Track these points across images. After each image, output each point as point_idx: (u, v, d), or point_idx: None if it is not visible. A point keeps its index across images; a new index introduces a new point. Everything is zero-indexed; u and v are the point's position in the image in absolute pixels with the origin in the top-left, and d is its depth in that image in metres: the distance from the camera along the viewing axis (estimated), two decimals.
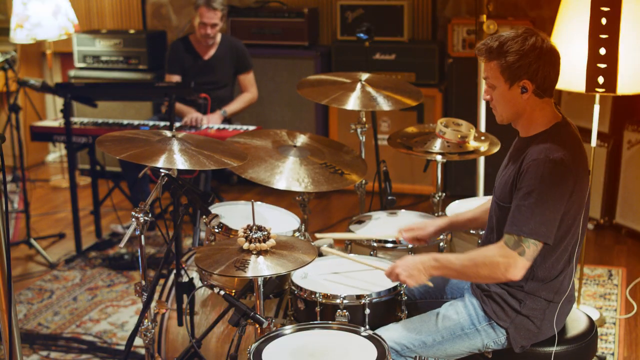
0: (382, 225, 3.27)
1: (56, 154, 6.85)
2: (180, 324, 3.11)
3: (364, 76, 3.61)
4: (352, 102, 3.42)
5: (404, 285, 2.72)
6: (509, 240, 2.39)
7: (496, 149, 3.42)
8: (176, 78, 5.22)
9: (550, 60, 2.45)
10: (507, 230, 2.40)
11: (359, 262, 2.86)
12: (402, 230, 2.96)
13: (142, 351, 3.63)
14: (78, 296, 4.39)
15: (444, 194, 3.58)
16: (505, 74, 2.45)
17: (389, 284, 2.71)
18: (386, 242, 3.07)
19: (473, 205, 3.26)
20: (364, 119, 3.64)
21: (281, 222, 3.16)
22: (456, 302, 2.64)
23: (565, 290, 2.56)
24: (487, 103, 2.58)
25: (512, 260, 2.38)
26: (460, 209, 3.20)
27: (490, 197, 2.72)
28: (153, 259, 4.69)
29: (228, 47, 5.22)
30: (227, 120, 5.27)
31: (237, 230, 2.62)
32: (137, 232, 2.75)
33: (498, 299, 2.55)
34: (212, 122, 4.97)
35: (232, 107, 5.17)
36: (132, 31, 6.21)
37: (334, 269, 2.90)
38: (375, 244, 3.07)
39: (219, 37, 5.21)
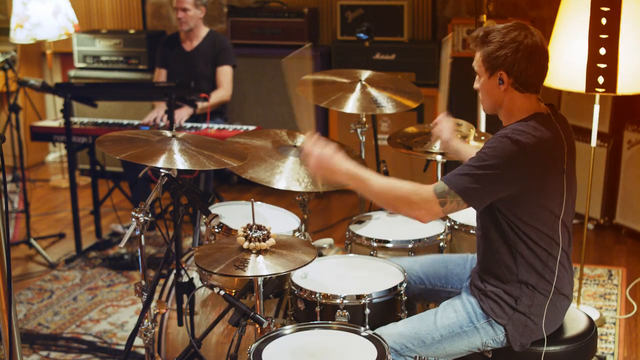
0: (382, 225, 3.27)
1: (56, 154, 6.85)
2: (180, 324, 3.11)
3: (364, 75, 3.61)
4: (351, 105, 3.42)
5: (404, 285, 2.73)
6: (438, 186, 2.43)
7: None
8: (163, 73, 5.28)
9: (529, 56, 2.45)
10: (443, 177, 2.45)
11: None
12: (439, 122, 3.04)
13: (142, 351, 3.63)
14: (78, 296, 4.39)
15: None
16: (486, 63, 2.51)
17: (389, 284, 2.72)
18: (386, 242, 3.07)
19: None
20: (364, 119, 3.64)
21: (281, 222, 3.16)
22: (454, 300, 2.65)
23: (561, 286, 2.56)
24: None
25: (429, 205, 2.43)
26: None
27: None
28: (153, 259, 4.69)
29: (211, 40, 5.22)
30: (226, 118, 5.27)
31: (237, 230, 2.62)
32: (137, 232, 2.75)
33: (494, 296, 2.55)
34: (179, 117, 4.89)
35: (202, 103, 5.13)
36: (132, 31, 6.22)
37: (334, 269, 2.90)
38: (375, 244, 3.07)
39: (204, 31, 5.21)
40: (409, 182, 2.49)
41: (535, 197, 2.44)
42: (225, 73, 5.21)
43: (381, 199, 2.54)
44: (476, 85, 2.60)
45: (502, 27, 2.49)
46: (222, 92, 5.18)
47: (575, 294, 3.97)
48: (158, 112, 5.04)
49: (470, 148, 2.98)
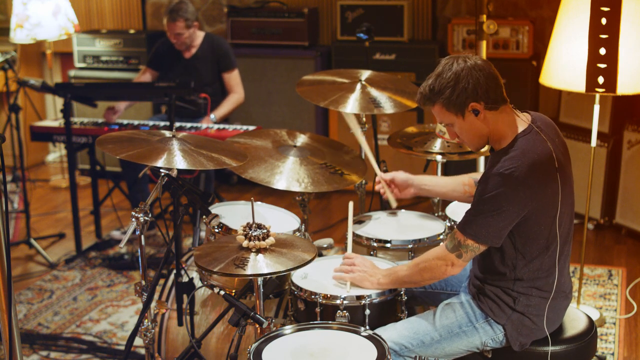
0: (382, 225, 3.27)
1: (56, 154, 6.85)
2: (180, 324, 3.11)
3: (364, 75, 3.60)
4: (351, 105, 3.42)
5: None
6: (450, 243, 2.52)
7: None
8: (147, 74, 5.28)
9: (480, 72, 2.44)
10: (457, 225, 2.52)
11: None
12: (384, 178, 3.09)
13: (142, 351, 3.64)
14: (78, 296, 4.39)
15: None
16: (452, 108, 2.48)
17: None
18: (386, 242, 3.07)
19: None
20: (364, 119, 3.64)
21: (281, 222, 3.16)
22: (453, 300, 2.65)
23: (559, 286, 2.56)
24: None
25: (450, 261, 2.53)
26: (459, 209, 3.20)
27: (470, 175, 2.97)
28: (153, 259, 4.69)
29: (209, 46, 5.22)
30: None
31: (237, 230, 2.62)
32: (137, 232, 2.75)
33: (493, 296, 2.56)
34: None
35: (221, 111, 5.12)
36: (132, 31, 6.22)
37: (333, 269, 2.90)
38: (375, 244, 3.07)
39: (200, 38, 5.22)
40: (426, 253, 2.61)
41: (534, 210, 2.44)
42: (233, 77, 5.25)
43: (413, 281, 2.64)
44: (454, 138, 2.59)
45: (437, 73, 2.47)
46: (237, 96, 5.24)
47: (575, 294, 3.97)
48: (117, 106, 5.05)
49: (433, 178, 3.04)
